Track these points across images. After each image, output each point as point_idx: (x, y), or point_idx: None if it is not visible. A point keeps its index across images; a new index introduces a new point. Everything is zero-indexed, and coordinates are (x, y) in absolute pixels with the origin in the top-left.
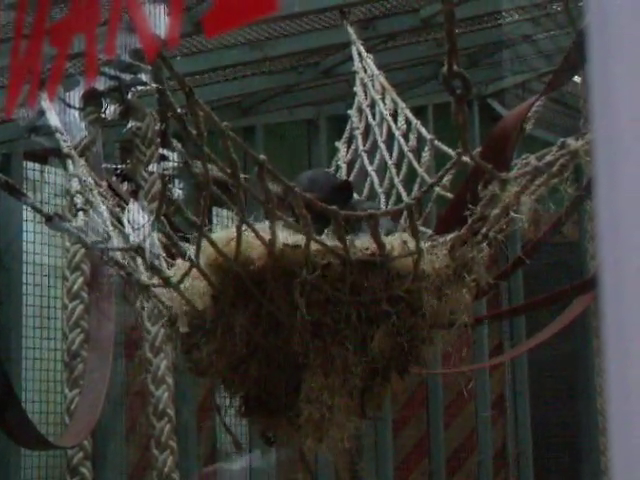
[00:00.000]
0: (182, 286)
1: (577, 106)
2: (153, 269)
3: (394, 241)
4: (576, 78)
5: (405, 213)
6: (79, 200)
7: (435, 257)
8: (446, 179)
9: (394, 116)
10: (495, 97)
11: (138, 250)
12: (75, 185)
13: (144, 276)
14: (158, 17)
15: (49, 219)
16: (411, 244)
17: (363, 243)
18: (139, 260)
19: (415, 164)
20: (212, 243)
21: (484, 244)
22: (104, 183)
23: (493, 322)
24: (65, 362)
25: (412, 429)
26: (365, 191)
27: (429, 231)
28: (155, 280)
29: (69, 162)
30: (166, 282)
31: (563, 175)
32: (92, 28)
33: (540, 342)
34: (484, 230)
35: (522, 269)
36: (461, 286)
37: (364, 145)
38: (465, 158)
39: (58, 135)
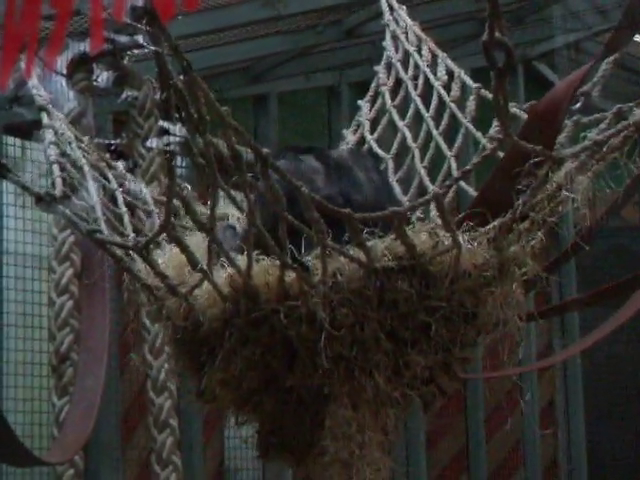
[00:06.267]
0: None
1: (638, 69)
2: (158, 274)
3: (423, 237)
4: (637, 37)
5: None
6: (53, 152)
7: (476, 251)
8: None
9: (432, 68)
10: (543, 60)
11: (142, 252)
12: (50, 137)
13: (143, 273)
14: None
15: (39, 199)
16: (443, 237)
17: (389, 246)
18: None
19: (459, 114)
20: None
21: (537, 232)
22: (86, 138)
23: (542, 319)
24: (52, 366)
25: (449, 441)
26: (394, 148)
27: None
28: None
29: (44, 115)
30: (173, 291)
31: (623, 149)
32: None
33: (596, 341)
34: (533, 214)
35: (575, 258)
36: (509, 282)
37: (393, 100)
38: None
39: (34, 91)
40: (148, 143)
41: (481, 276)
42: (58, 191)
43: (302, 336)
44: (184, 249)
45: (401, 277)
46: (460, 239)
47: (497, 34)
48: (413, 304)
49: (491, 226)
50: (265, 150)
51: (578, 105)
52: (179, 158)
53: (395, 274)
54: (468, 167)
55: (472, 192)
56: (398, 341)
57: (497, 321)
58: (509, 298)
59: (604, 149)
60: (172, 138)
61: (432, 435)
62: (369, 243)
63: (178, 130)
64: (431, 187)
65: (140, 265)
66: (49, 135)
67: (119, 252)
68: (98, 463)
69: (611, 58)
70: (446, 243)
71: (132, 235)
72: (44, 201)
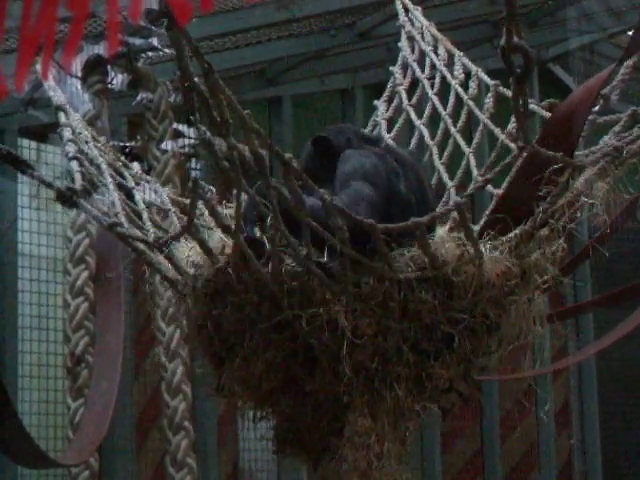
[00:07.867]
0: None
1: None
2: (178, 268)
3: (446, 247)
4: None
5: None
6: (71, 149)
7: (499, 259)
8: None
9: (448, 67)
10: (558, 62)
11: (162, 249)
12: (68, 135)
13: (163, 267)
14: None
15: (60, 195)
16: (468, 247)
17: (413, 256)
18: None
19: (476, 111)
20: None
21: (558, 238)
22: (102, 138)
23: (556, 321)
24: (67, 368)
25: (464, 443)
26: (412, 146)
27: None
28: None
29: (61, 114)
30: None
31: None
32: None
33: (611, 343)
34: (552, 222)
35: (590, 260)
36: (531, 290)
37: (409, 100)
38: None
39: (51, 92)
40: (163, 145)
41: (505, 285)
42: (78, 185)
43: (324, 343)
44: (207, 251)
45: (425, 288)
46: (482, 248)
47: (515, 38)
48: (437, 315)
49: (512, 234)
50: (288, 155)
51: (597, 108)
52: (193, 161)
53: (419, 285)
54: (489, 175)
55: (486, 188)
56: (421, 353)
57: (520, 331)
58: (531, 306)
59: (623, 154)
60: (187, 141)
61: (447, 438)
62: (394, 253)
63: (192, 133)
64: (450, 183)
65: (160, 258)
66: (67, 133)
67: (141, 246)
68: (113, 465)
69: (630, 62)
70: (470, 252)
71: (152, 230)
72: (65, 196)
